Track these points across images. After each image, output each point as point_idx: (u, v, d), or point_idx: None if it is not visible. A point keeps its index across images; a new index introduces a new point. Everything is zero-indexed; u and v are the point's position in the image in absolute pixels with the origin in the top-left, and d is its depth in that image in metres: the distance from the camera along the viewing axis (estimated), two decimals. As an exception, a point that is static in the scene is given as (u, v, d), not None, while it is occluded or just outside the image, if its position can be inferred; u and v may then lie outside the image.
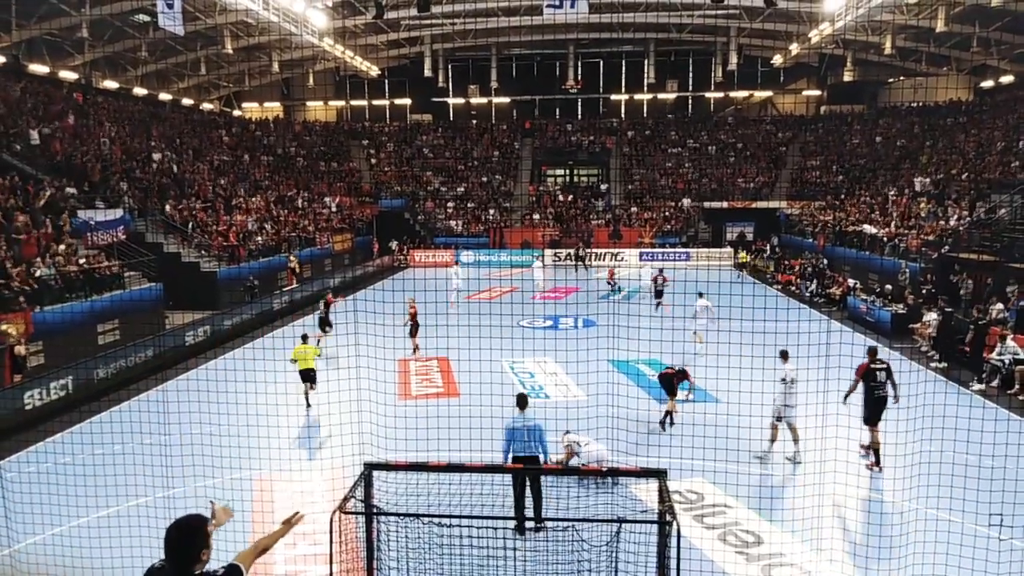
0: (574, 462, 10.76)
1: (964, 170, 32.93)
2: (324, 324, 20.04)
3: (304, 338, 15.30)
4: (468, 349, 13.22)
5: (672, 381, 13.36)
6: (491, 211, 46.32)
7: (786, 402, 11.36)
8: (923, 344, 19.18)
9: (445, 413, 11.51)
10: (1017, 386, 15.20)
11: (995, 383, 15.75)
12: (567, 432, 11.15)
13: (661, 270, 26.66)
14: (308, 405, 14.78)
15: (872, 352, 11.51)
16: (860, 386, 11.37)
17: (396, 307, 20.91)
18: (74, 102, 33.57)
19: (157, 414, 11.61)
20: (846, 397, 11.33)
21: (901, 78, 48.84)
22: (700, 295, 19.59)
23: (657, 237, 42.87)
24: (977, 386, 15.88)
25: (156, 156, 32.45)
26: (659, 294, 24.82)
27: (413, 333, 19.34)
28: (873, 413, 11.33)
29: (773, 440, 11.69)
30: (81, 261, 19.95)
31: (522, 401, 9.63)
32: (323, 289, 25.51)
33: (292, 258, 31.49)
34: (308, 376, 14.81)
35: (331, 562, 6.26)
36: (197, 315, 21.80)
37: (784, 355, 11.50)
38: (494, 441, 9.37)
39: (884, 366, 11.35)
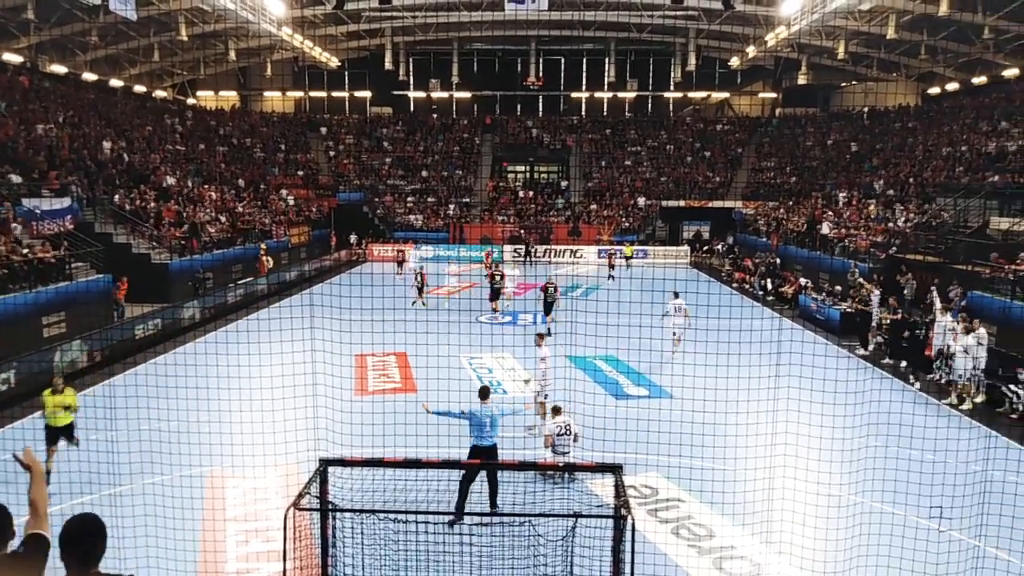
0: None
1: (911, 174, 33.95)
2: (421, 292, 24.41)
3: (53, 386, 10.68)
4: (426, 344, 13.20)
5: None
6: (451, 206, 46.17)
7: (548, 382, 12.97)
8: (872, 343, 19.70)
9: (402, 409, 11.46)
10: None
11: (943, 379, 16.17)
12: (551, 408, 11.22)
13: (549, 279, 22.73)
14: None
15: (549, 281, 21.89)
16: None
17: (353, 301, 20.73)
18: (19, 86, 32.37)
19: (104, 409, 11.28)
20: (547, 309, 21.07)
21: (853, 83, 50.13)
22: (676, 295, 18.71)
23: (615, 235, 43.27)
24: (917, 384, 16.37)
25: (107, 144, 31.49)
26: (548, 307, 21.60)
27: (420, 291, 24.19)
28: (546, 310, 21.17)
29: (543, 415, 12.71)
30: (24, 251, 19.27)
31: (484, 393, 9.71)
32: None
33: (263, 247, 30.98)
34: (59, 435, 10.46)
35: (284, 559, 6.19)
36: (147, 307, 21.29)
37: (540, 337, 13.55)
38: (451, 437, 9.36)
39: (554, 285, 21.41)
